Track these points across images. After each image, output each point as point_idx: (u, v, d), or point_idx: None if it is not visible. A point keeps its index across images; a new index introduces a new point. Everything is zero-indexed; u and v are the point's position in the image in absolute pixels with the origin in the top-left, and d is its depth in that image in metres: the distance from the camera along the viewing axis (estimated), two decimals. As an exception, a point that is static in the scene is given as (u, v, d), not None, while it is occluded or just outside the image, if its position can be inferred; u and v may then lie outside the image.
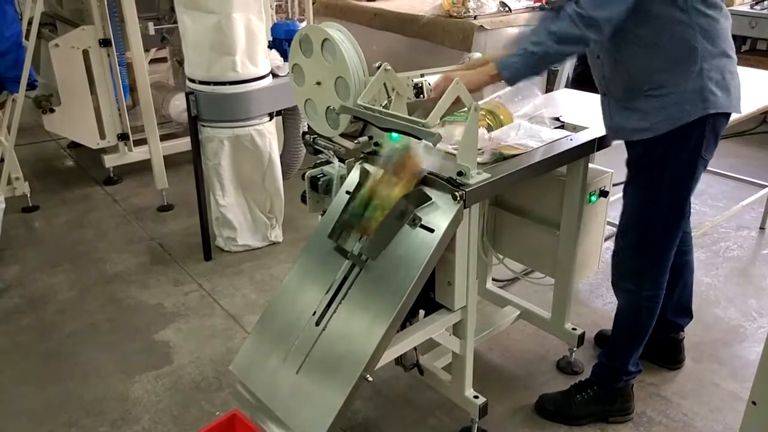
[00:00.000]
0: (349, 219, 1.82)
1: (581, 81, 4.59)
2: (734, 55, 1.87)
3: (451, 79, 1.73)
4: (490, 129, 2.01)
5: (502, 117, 2.07)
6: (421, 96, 1.94)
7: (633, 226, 2.04)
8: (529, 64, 1.76)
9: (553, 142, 2.01)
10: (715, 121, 1.85)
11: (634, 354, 2.17)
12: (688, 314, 2.47)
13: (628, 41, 1.82)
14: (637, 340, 2.16)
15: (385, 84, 1.87)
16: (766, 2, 5.06)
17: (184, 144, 3.95)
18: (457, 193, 1.70)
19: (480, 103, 1.95)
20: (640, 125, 1.89)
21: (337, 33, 1.88)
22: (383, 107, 1.86)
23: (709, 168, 2.80)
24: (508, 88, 2.22)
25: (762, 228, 3.56)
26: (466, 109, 1.80)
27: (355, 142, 1.95)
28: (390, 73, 1.85)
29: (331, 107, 1.98)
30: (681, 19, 1.75)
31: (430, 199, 1.75)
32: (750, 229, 3.57)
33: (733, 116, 1.94)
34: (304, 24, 4.03)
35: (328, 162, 2.09)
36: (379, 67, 1.84)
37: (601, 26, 1.69)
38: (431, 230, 1.72)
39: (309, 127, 2.14)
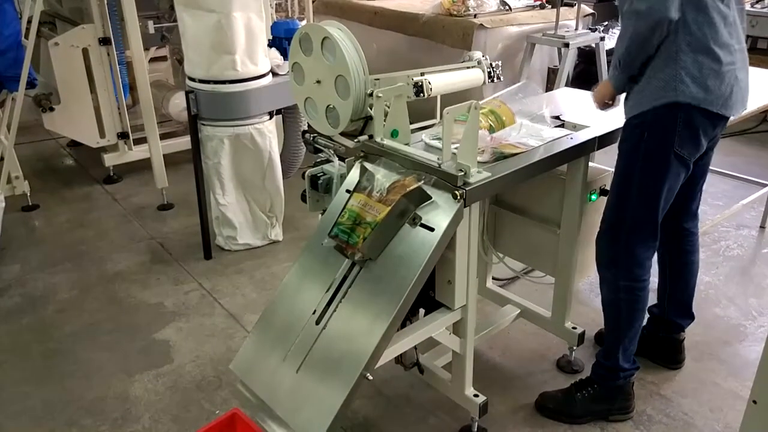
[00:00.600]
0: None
1: (581, 80, 4.62)
2: (727, 58, 1.87)
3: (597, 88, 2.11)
4: (491, 130, 2.01)
5: (504, 117, 2.07)
6: (421, 95, 1.94)
7: (608, 213, 2.08)
8: (620, 72, 1.95)
9: (553, 140, 2.01)
10: (689, 116, 1.87)
11: (623, 349, 2.16)
12: (689, 315, 2.46)
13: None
14: (624, 334, 2.15)
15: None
16: (766, 1, 5.06)
17: (184, 143, 3.95)
18: (457, 192, 1.70)
19: (481, 102, 1.95)
20: (625, 105, 1.99)
21: (337, 32, 1.88)
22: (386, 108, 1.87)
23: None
24: (509, 89, 2.23)
25: (762, 227, 3.56)
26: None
27: (355, 140, 1.95)
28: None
29: (331, 106, 1.98)
30: None
31: (430, 197, 1.75)
32: (750, 228, 3.57)
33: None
34: (303, 23, 4.02)
35: (328, 161, 2.09)
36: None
37: (649, 14, 1.76)
38: (431, 229, 1.72)
39: (309, 125, 2.14)
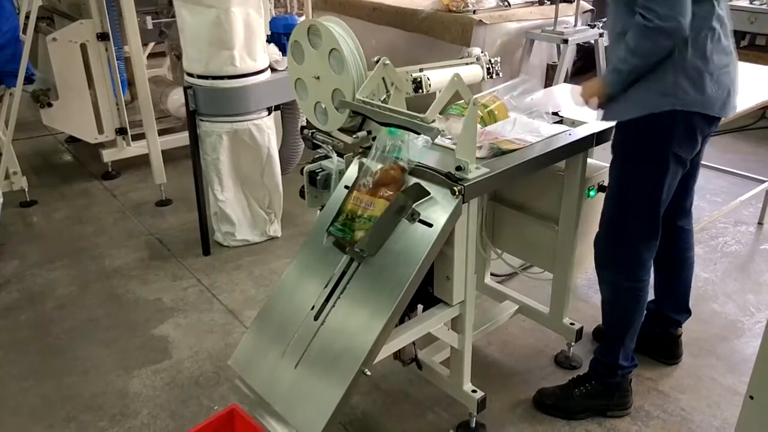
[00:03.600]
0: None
1: (580, 76, 4.62)
2: (724, 61, 1.86)
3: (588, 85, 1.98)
4: (482, 123, 2.00)
5: (496, 112, 2.06)
6: (420, 91, 1.94)
7: (608, 215, 2.08)
8: (623, 79, 1.87)
9: (551, 136, 2.01)
10: (687, 119, 1.86)
11: (623, 348, 2.17)
12: (686, 311, 2.47)
13: (624, 29, 1.83)
14: (624, 334, 2.15)
15: (383, 79, 1.87)
16: (765, -3, 5.05)
17: (182, 139, 3.95)
18: (455, 188, 1.70)
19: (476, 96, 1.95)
20: (618, 107, 1.93)
21: (347, 46, 1.85)
22: (382, 102, 1.86)
23: (707, 163, 2.82)
24: (506, 83, 2.22)
25: (760, 223, 3.57)
26: (460, 102, 1.79)
27: (354, 136, 1.95)
28: (389, 67, 1.85)
29: (321, 104, 1.97)
30: None
31: (429, 193, 1.75)
32: (748, 224, 3.57)
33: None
34: (302, 19, 4.02)
35: (326, 157, 2.09)
36: (377, 61, 1.84)
37: (671, 33, 1.73)
38: (430, 225, 1.72)
39: (307, 121, 2.14)
